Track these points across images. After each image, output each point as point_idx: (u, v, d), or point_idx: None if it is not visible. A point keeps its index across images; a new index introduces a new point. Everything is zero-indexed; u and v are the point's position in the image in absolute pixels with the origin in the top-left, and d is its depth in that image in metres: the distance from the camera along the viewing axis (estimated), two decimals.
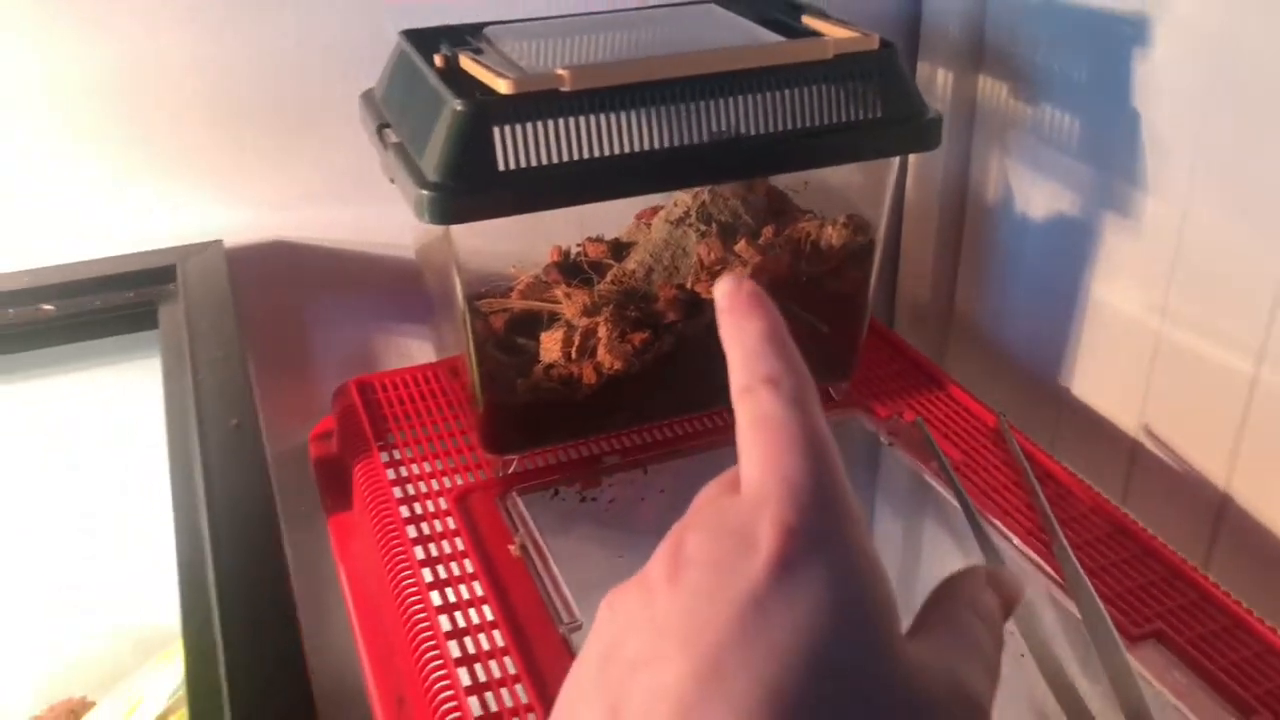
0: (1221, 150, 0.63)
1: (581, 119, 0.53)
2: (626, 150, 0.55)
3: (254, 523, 0.47)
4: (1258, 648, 0.53)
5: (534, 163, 0.53)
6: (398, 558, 0.60)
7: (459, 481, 0.65)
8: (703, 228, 0.66)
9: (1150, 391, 0.71)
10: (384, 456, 0.67)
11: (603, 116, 0.54)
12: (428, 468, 0.67)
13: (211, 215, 0.72)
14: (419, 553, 0.60)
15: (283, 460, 0.76)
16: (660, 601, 0.26)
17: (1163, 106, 0.66)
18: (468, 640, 0.54)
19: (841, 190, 0.69)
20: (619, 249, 0.69)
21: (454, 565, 0.59)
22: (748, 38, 0.61)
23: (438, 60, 0.58)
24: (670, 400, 0.67)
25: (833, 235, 0.66)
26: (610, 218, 0.69)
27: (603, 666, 0.26)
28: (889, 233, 0.68)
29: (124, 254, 0.70)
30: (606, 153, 0.54)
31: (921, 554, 0.69)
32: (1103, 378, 0.76)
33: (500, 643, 0.54)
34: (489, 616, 0.55)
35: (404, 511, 0.63)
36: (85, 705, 0.71)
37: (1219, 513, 0.68)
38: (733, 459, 0.29)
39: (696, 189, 0.66)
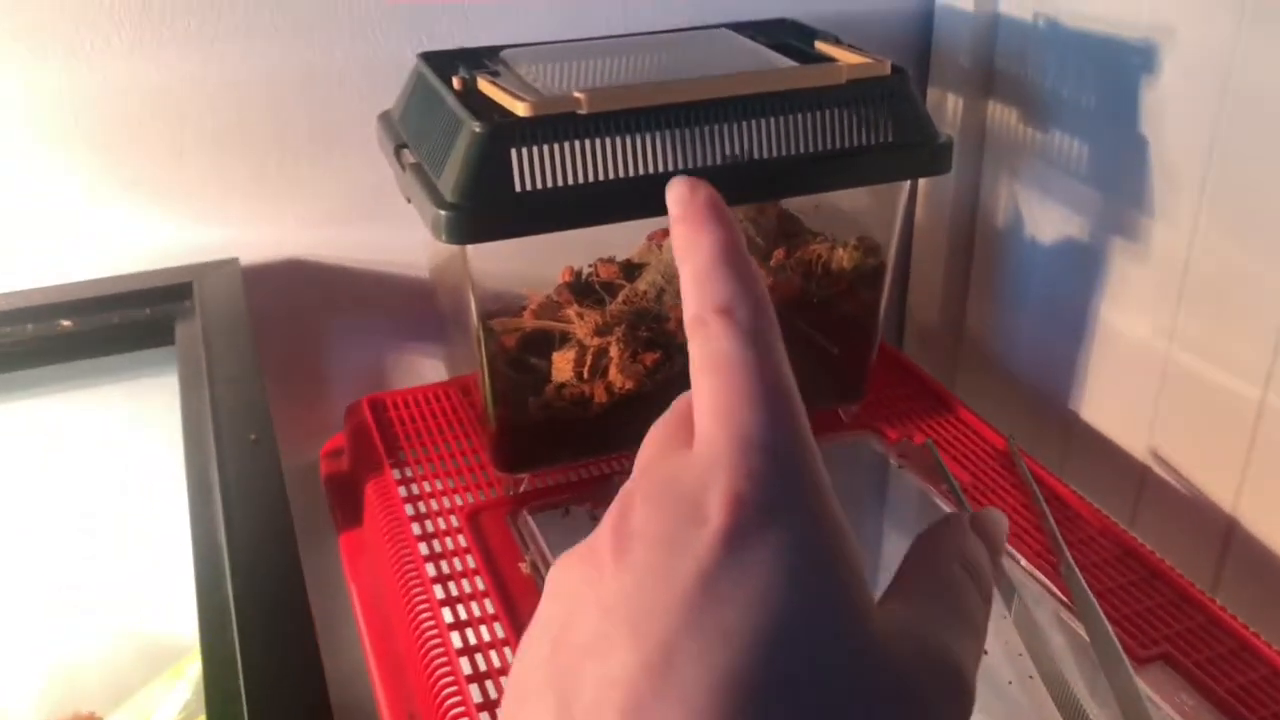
0: (1229, 175, 0.63)
1: (597, 141, 0.54)
2: (642, 172, 0.55)
3: (271, 537, 0.48)
4: (1265, 671, 0.54)
5: (550, 184, 0.54)
6: (410, 575, 0.60)
7: (470, 500, 0.66)
8: None
9: (1158, 415, 0.72)
10: (396, 474, 0.68)
11: (618, 139, 0.54)
12: (439, 485, 0.67)
13: (228, 234, 0.73)
14: (430, 570, 0.60)
15: (293, 477, 0.76)
16: (607, 580, 0.24)
17: (1170, 132, 0.67)
18: (479, 657, 0.55)
19: (852, 213, 0.69)
20: (631, 269, 0.70)
21: (465, 583, 0.59)
22: (761, 62, 0.62)
23: (456, 82, 0.59)
24: None
25: (843, 258, 0.67)
26: (622, 238, 0.70)
27: (553, 651, 0.24)
28: (899, 255, 0.69)
29: (141, 271, 0.71)
30: (622, 175, 0.55)
31: None
32: (1111, 401, 0.77)
33: (511, 660, 0.54)
34: (500, 634, 0.56)
35: (415, 529, 0.63)
36: None
37: (1226, 536, 0.68)
38: None
39: None
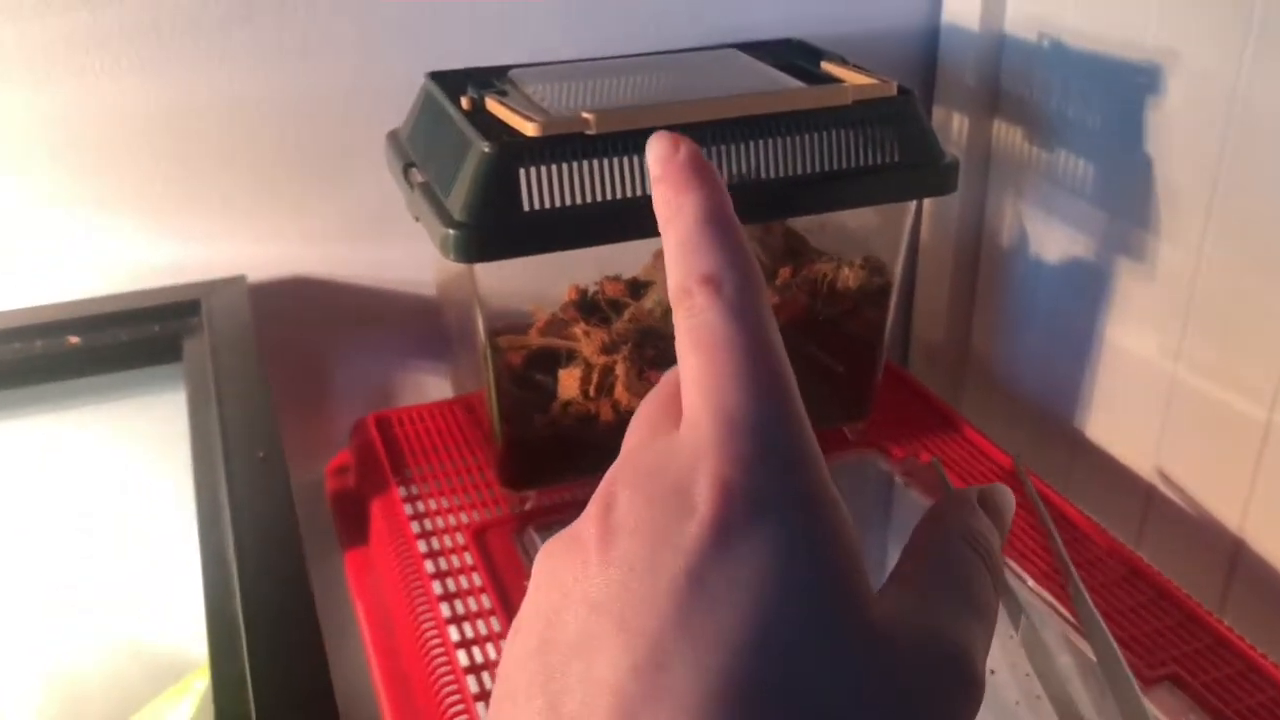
0: (1235, 196, 0.63)
1: (606, 161, 0.54)
2: (649, 192, 0.55)
3: (280, 553, 0.48)
4: (1274, 693, 0.53)
5: (558, 203, 0.54)
6: (416, 592, 0.60)
7: (476, 517, 0.66)
8: None
9: (1164, 435, 0.72)
10: (401, 491, 0.68)
11: (626, 159, 0.55)
12: (445, 503, 0.67)
13: (235, 251, 0.73)
14: (437, 587, 0.60)
15: (298, 494, 0.76)
16: (593, 574, 0.23)
17: (1176, 153, 0.67)
18: (485, 675, 0.54)
19: (858, 232, 0.70)
20: (637, 288, 0.70)
21: (471, 600, 0.59)
22: (768, 83, 0.62)
23: (464, 102, 0.59)
24: None
25: (849, 277, 0.67)
26: (628, 257, 0.70)
27: (540, 647, 0.23)
28: (904, 274, 0.69)
29: (149, 289, 0.71)
30: (630, 195, 0.55)
31: None
32: (1117, 421, 0.77)
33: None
34: None
35: (421, 546, 0.63)
36: None
37: (1233, 557, 0.68)
38: None
39: None
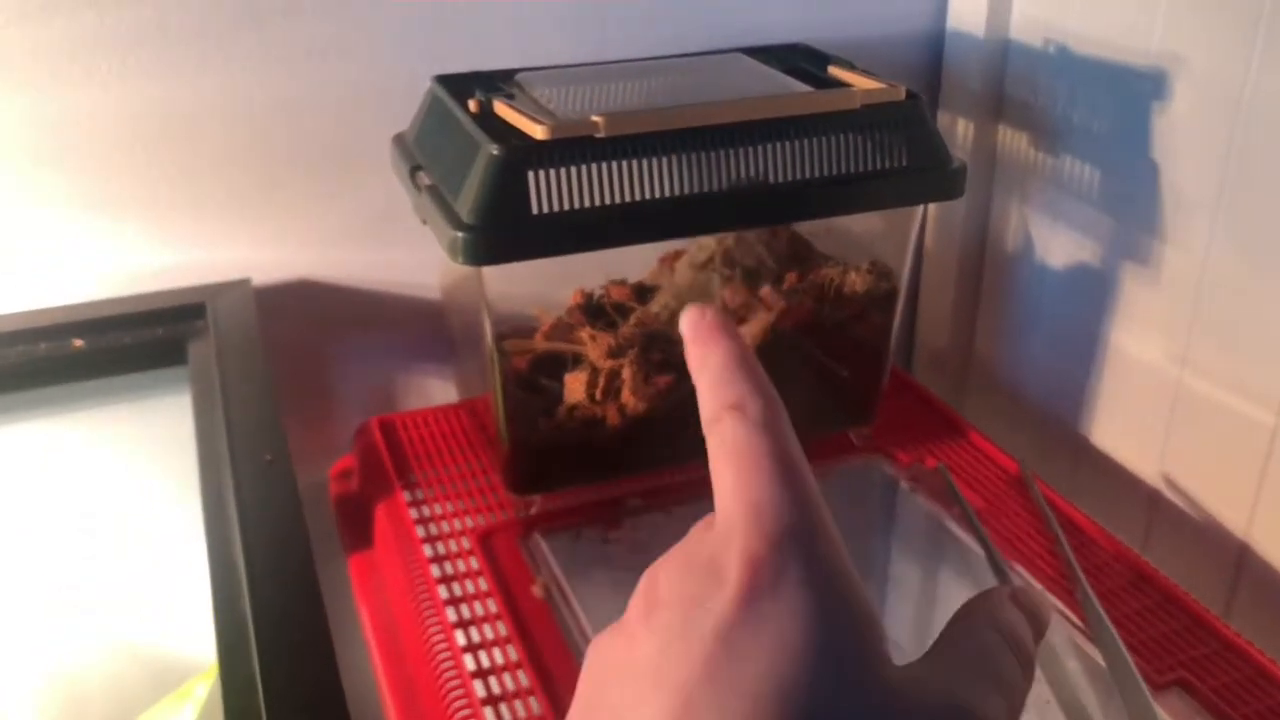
0: (1241, 200, 0.63)
1: (614, 164, 0.54)
2: (658, 195, 0.56)
3: (289, 556, 0.48)
4: None
5: (567, 207, 0.54)
6: (422, 597, 0.60)
7: (481, 522, 0.66)
8: (726, 272, 0.66)
9: (1170, 440, 0.72)
10: (406, 495, 0.68)
11: (635, 162, 0.55)
12: (450, 507, 0.67)
13: (240, 254, 0.73)
14: (443, 592, 0.60)
15: (302, 497, 0.76)
16: (637, 645, 0.26)
17: (1182, 157, 0.67)
18: (493, 680, 0.54)
19: (863, 237, 0.70)
20: (642, 292, 0.70)
21: (478, 605, 0.59)
22: (776, 87, 0.62)
23: (472, 105, 0.59)
24: (694, 443, 0.67)
25: (856, 281, 0.67)
26: (633, 261, 0.70)
27: (587, 713, 0.26)
28: (909, 280, 0.69)
29: (154, 292, 0.71)
30: (638, 198, 0.55)
31: (944, 600, 0.69)
32: (1122, 426, 0.77)
33: (525, 683, 0.54)
34: (513, 657, 0.56)
35: (427, 550, 0.63)
36: None
37: (1239, 562, 0.68)
38: None
39: (721, 234, 0.67)
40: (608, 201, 0.55)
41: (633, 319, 0.65)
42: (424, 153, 0.63)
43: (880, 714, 0.24)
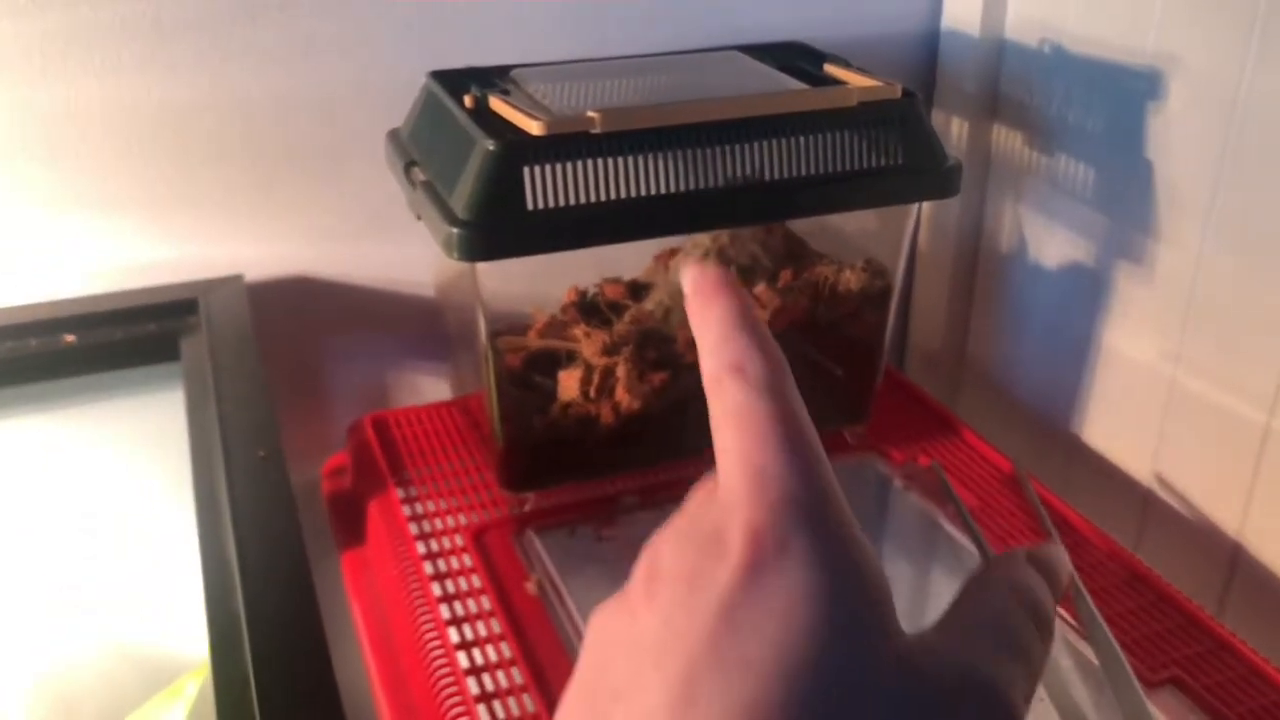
0: (1235, 200, 0.64)
1: (611, 160, 0.54)
2: (654, 192, 0.55)
3: (282, 552, 0.47)
4: (1275, 696, 0.53)
5: (563, 203, 0.54)
6: (415, 593, 0.60)
7: (475, 519, 0.65)
8: None
9: (1163, 439, 0.72)
10: (400, 492, 0.68)
11: (632, 159, 0.54)
12: (443, 504, 0.67)
13: (233, 250, 0.73)
14: (436, 589, 0.60)
15: (294, 494, 0.76)
16: (640, 620, 0.25)
17: (1176, 157, 0.67)
18: (485, 677, 0.54)
19: (856, 236, 0.70)
20: (637, 290, 0.70)
21: (471, 602, 0.59)
22: (773, 84, 0.62)
23: (468, 100, 0.59)
24: (688, 441, 0.68)
25: (851, 279, 0.67)
26: (628, 259, 0.70)
27: (588, 697, 0.25)
28: (903, 279, 0.69)
29: (146, 287, 0.71)
30: (634, 194, 0.55)
31: (937, 598, 0.69)
32: (1116, 425, 0.77)
33: (519, 680, 0.54)
34: (507, 654, 0.55)
35: (420, 548, 0.63)
36: None
37: (1232, 561, 0.68)
38: None
39: (716, 232, 0.67)
40: (603, 198, 0.55)
41: (627, 317, 0.65)
42: (419, 148, 0.62)
43: (892, 687, 0.23)
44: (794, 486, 0.25)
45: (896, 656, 0.23)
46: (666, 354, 0.65)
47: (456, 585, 0.60)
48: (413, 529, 0.64)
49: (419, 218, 0.58)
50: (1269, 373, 0.63)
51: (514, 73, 0.65)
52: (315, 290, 0.76)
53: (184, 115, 0.69)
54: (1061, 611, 0.58)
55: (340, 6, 0.69)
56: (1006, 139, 0.81)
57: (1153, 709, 0.51)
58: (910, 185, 0.61)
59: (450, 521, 0.65)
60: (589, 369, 0.64)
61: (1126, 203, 0.71)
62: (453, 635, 0.57)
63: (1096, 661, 0.54)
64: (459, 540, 0.64)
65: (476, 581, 0.60)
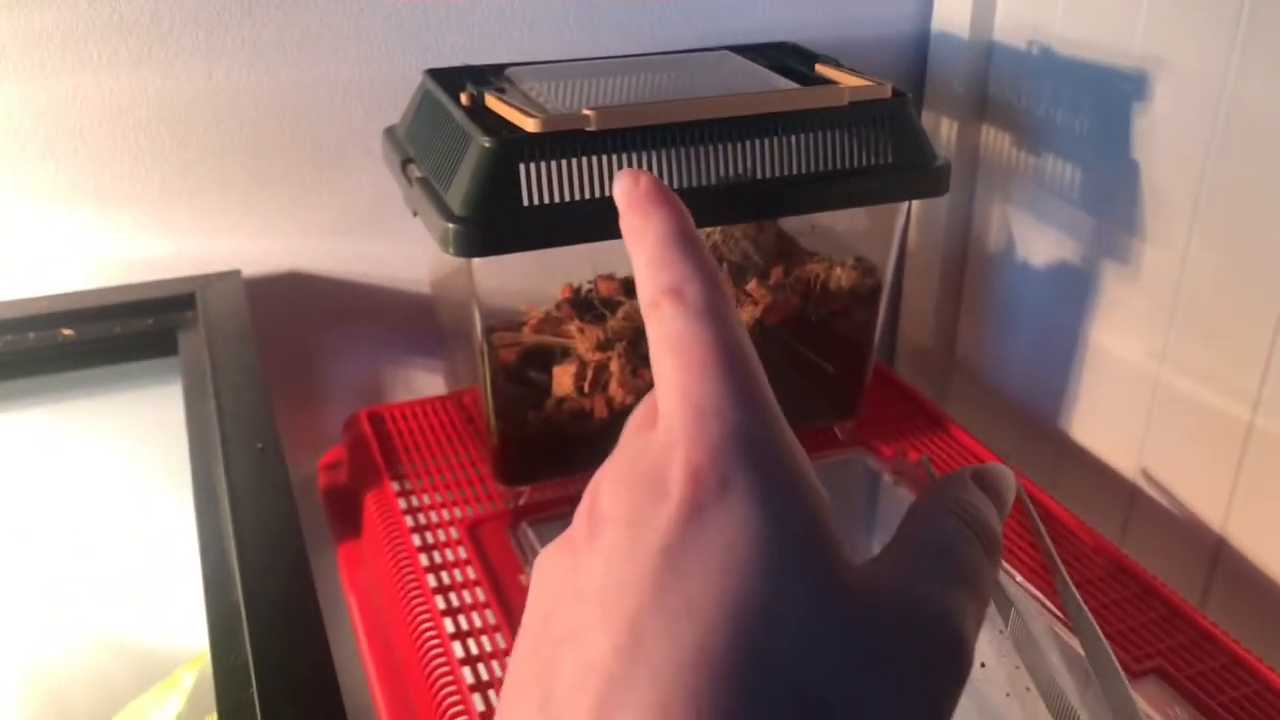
0: (1220, 200, 0.65)
1: (605, 158, 0.55)
2: None
3: (281, 542, 0.48)
4: (1257, 685, 0.54)
5: (558, 199, 0.55)
6: (411, 586, 0.60)
7: (470, 512, 0.66)
8: None
9: (1149, 436, 0.73)
10: (395, 486, 0.68)
11: (626, 156, 0.55)
12: (438, 498, 0.67)
13: (230, 246, 0.74)
14: (431, 581, 0.60)
15: None
16: (583, 564, 0.24)
17: (1162, 157, 0.68)
18: (481, 667, 0.55)
19: (846, 235, 0.70)
20: (630, 286, 0.70)
21: (466, 594, 0.60)
22: (765, 84, 0.63)
23: (464, 98, 0.60)
24: None
25: (842, 277, 0.68)
26: (622, 255, 0.71)
27: (535, 645, 0.24)
28: (892, 277, 0.70)
29: (144, 282, 0.71)
30: None
31: None
32: (1102, 421, 0.78)
33: None
34: (502, 644, 0.56)
35: (416, 540, 0.64)
36: None
37: (1215, 554, 0.69)
38: None
39: (708, 229, 0.68)
40: (598, 194, 0.55)
41: (620, 313, 0.66)
42: (415, 145, 0.63)
43: (838, 624, 0.22)
44: (734, 420, 0.24)
45: (842, 591, 0.23)
46: None
47: (452, 577, 0.61)
48: (408, 522, 0.65)
49: (415, 214, 0.59)
50: (1252, 371, 0.64)
51: (509, 71, 0.65)
52: (311, 286, 0.77)
53: (182, 111, 0.69)
54: (1048, 603, 0.59)
55: (337, 4, 0.70)
56: (995, 139, 0.82)
57: (1137, 698, 0.52)
58: (900, 184, 0.62)
59: (446, 515, 0.66)
60: (583, 364, 0.64)
61: (1113, 203, 0.72)
62: (448, 625, 0.57)
63: (1082, 652, 0.55)
64: (454, 533, 0.64)
65: (472, 573, 0.61)
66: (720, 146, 0.57)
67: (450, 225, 0.53)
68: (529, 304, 0.68)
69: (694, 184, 0.57)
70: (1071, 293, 0.77)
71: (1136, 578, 0.62)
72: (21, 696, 0.72)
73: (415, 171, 0.60)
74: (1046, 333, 0.80)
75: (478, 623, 0.58)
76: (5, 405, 0.68)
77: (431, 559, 0.62)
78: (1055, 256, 0.78)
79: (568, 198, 0.55)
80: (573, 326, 0.66)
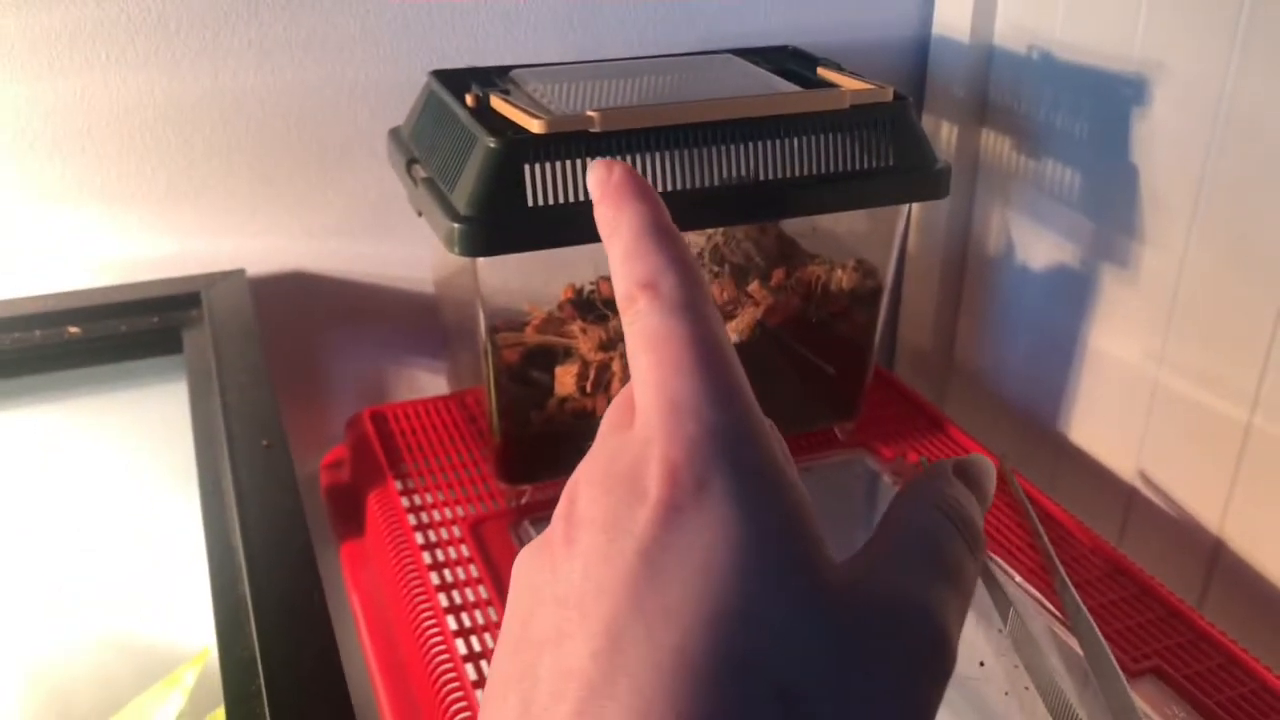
0: (1219, 203, 0.65)
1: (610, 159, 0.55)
2: None
3: (288, 538, 0.48)
4: (1254, 685, 0.55)
5: (562, 200, 0.55)
6: (414, 584, 0.61)
7: (472, 511, 0.66)
8: (715, 269, 0.68)
9: (1147, 438, 0.73)
10: (398, 485, 0.69)
11: (630, 157, 0.56)
12: (441, 497, 0.68)
13: (235, 245, 0.74)
14: (434, 578, 0.61)
15: None
16: (560, 568, 0.24)
17: (1161, 161, 0.68)
18: (484, 663, 0.55)
19: (847, 237, 0.71)
20: None
21: (469, 591, 0.60)
22: (767, 87, 0.63)
23: (469, 99, 0.60)
24: None
25: (842, 279, 0.68)
26: None
27: (514, 650, 0.24)
28: (892, 279, 0.70)
29: (149, 280, 0.72)
30: None
31: None
32: (1100, 423, 0.78)
33: None
34: None
35: (419, 539, 0.64)
36: None
37: (1213, 555, 0.69)
38: None
39: (711, 230, 0.68)
40: None
41: None
42: (420, 146, 0.64)
43: (819, 624, 0.22)
44: (712, 418, 0.24)
45: (824, 589, 0.22)
46: None
47: (454, 575, 0.61)
48: (411, 520, 0.65)
49: (420, 214, 0.60)
50: (1250, 372, 0.65)
51: (513, 73, 0.66)
52: (316, 285, 0.77)
53: (188, 111, 0.70)
54: (1047, 603, 0.60)
55: (343, 5, 0.70)
56: (995, 143, 0.82)
57: (1135, 698, 0.53)
58: (901, 187, 0.63)
59: (448, 513, 0.66)
60: (585, 364, 0.65)
61: (1112, 206, 0.72)
62: (451, 623, 0.58)
63: (1081, 652, 0.56)
64: (456, 531, 0.65)
65: (474, 571, 0.61)
66: (723, 148, 0.58)
67: (455, 225, 0.54)
68: (532, 304, 0.68)
69: (697, 185, 0.58)
70: (1070, 295, 0.77)
71: (1134, 578, 0.62)
72: (24, 694, 0.72)
73: (420, 172, 0.61)
74: (1045, 335, 0.81)
75: (480, 620, 0.58)
76: (11, 402, 0.69)
77: (434, 557, 0.62)
78: (1054, 259, 0.79)
79: (572, 199, 0.55)
80: (575, 327, 0.66)
